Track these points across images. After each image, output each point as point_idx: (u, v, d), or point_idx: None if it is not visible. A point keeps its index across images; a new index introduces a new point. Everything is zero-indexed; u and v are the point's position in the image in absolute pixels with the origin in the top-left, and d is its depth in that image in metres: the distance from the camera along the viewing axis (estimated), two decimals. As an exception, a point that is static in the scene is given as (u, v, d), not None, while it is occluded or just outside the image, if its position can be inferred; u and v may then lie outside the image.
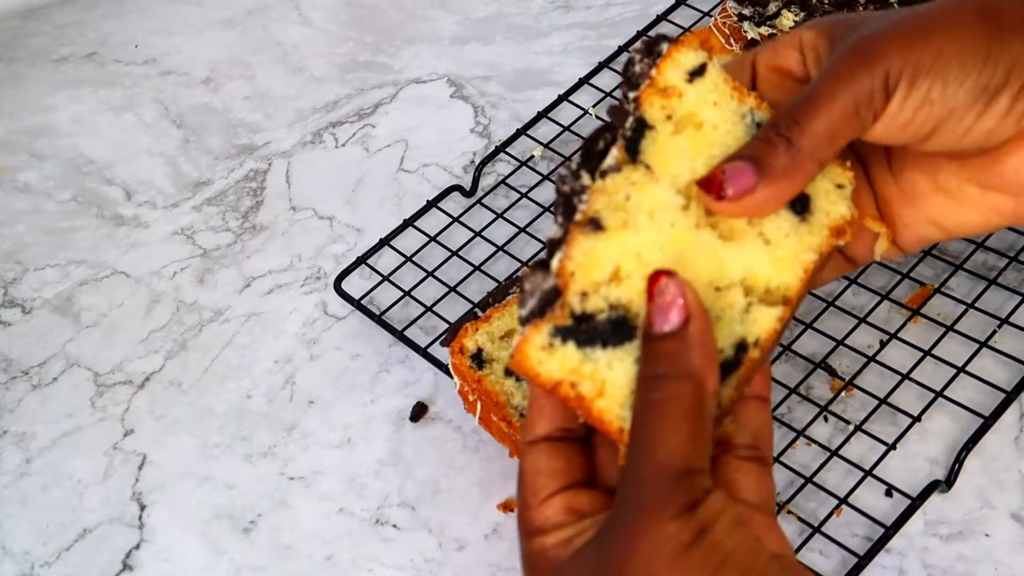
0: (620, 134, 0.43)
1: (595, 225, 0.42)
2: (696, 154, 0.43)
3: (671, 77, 0.44)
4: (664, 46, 0.44)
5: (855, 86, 0.41)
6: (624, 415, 0.41)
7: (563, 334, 0.41)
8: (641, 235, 0.42)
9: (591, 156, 0.43)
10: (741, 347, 0.42)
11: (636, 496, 0.39)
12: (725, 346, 0.42)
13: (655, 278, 0.40)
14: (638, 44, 0.43)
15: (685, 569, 0.37)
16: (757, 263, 0.43)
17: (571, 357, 0.41)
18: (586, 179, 0.42)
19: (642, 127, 0.43)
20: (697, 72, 0.44)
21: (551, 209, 0.77)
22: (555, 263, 0.41)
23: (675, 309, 0.40)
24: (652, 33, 0.86)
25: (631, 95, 0.43)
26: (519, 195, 0.79)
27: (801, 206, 0.43)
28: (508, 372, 0.62)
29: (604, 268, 0.41)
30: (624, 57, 0.85)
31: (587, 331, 0.41)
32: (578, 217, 0.42)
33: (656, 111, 0.44)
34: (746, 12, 0.76)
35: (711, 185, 0.42)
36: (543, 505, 0.42)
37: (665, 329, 0.40)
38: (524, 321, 0.41)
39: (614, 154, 0.42)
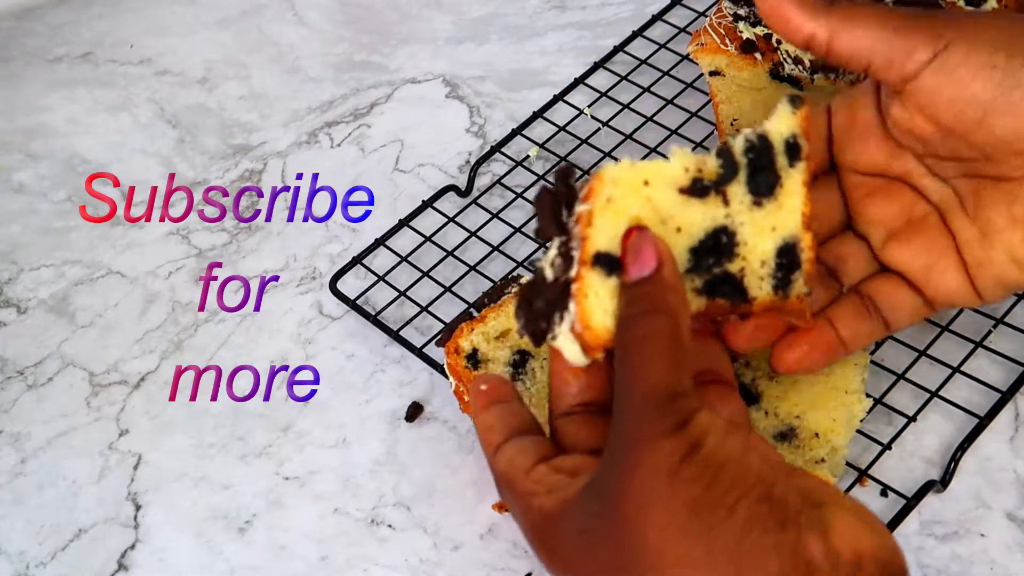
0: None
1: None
2: None
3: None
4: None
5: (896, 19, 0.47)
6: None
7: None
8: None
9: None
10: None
11: (627, 424, 0.41)
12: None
13: (628, 233, 0.44)
14: None
15: (682, 484, 0.39)
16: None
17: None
18: None
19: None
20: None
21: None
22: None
23: (649, 257, 0.43)
24: (648, 33, 0.86)
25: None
26: (514, 195, 0.79)
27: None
28: (514, 368, 0.62)
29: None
30: (621, 58, 0.85)
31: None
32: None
33: None
34: (741, 12, 0.76)
35: None
36: (532, 470, 0.45)
37: (644, 274, 0.43)
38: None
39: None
